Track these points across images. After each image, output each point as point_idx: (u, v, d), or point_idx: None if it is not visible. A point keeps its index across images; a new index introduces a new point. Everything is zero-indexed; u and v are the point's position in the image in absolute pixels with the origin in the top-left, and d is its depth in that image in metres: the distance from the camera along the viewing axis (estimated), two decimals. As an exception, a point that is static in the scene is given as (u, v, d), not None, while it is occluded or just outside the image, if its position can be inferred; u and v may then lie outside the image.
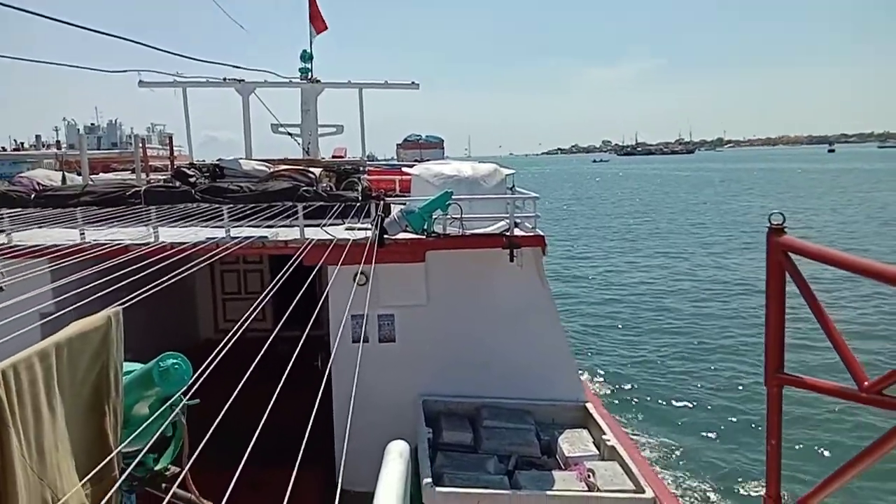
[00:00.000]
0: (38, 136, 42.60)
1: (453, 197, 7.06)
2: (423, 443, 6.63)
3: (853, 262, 2.45)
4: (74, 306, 3.85)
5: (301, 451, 2.51)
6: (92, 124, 59.42)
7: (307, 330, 3.88)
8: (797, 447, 10.11)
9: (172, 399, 2.83)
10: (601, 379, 13.87)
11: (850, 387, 2.49)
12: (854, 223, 37.83)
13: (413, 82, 13.99)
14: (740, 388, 12.92)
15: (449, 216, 7.14)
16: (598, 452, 6.69)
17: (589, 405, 7.51)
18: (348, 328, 7.24)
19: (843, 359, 2.49)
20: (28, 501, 2.10)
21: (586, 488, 6.01)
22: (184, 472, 2.84)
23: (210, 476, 2.45)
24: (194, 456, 2.51)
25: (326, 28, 14.14)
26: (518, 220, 7.63)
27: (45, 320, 3.55)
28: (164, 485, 3.07)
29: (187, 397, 2.90)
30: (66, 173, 10.31)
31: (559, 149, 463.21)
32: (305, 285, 5.21)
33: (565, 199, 67.84)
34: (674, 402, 12.66)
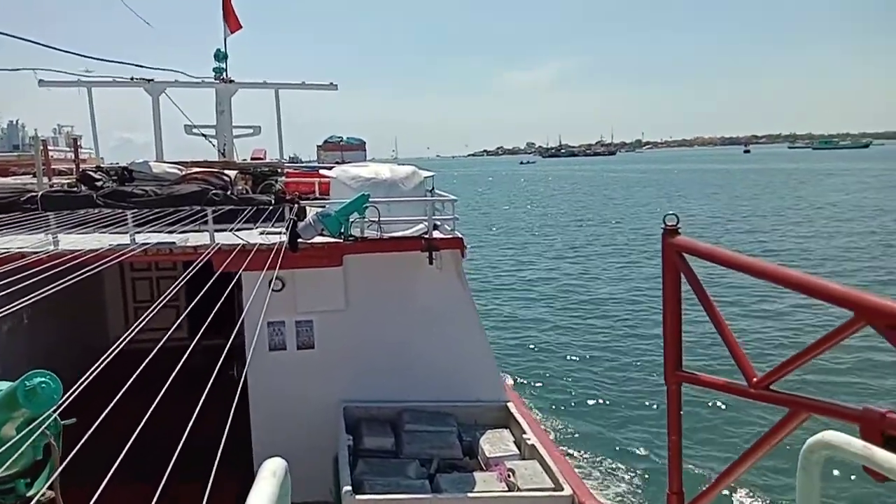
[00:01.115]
0: (-78, 139, 39.45)
1: (371, 199, 6.97)
2: (344, 450, 6.50)
3: (741, 262, 2.53)
4: None
5: (216, 464, 2.42)
6: (-11, 126, 55.46)
7: (218, 337, 3.76)
8: (704, 442, 10.50)
9: (40, 419, 2.63)
10: (522, 379, 14.05)
11: (741, 383, 2.56)
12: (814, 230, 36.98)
13: (332, 83, 13.79)
14: (653, 385, 13.32)
15: (367, 219, 7.04)
16: (518, 452, 6.73)
17: (510, 405, 7.57)
18: (265, 335, 7.04)
19: (734, 356, 2.56)
20: None
21: (506, 488, 6.03)
22: (40, 493, 2.67)
23: (117, 493, 2.32)
24: (57, 473, 2.37)
25: (241, 27, 13.76)
26: (437, 223, 7.61)
27: None
28: None
29: (57, 413, 2.72)
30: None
31: (485, 150, 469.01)
32: (214, 292, 5.02)
33: (499, 201, 67.77)
34: (591, 401, 13.02)
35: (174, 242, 6.76)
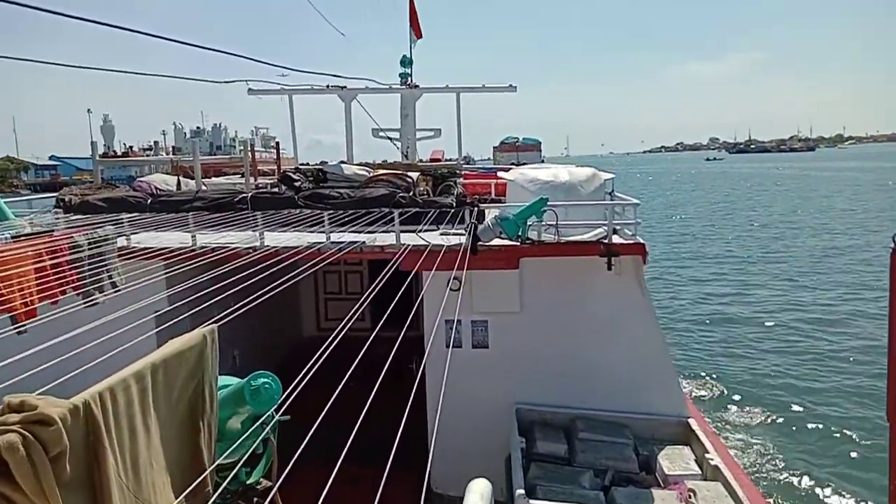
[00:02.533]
0: (155, 143, 45.82)
1: (549, 203, 6.93)
2: (517, 452, 6.55)
3: None
4: (190, 308, 4.08)
5: (394, 453, 2.54)
6: (198, 128, 62.88)
7: (403, 332, 3.95)
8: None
9: (264, 417, 2.91)
10: (707, 396, 13.15)
11: None
12: None
13: (511, 85, 13.90)
14: (865, 420, 11.74)
15: (544, 223, 7.01)
16: (700, 472, 6.35)
17: (692, 421, 7.16)
18: (442, 332, 7.27)
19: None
20: None
21: (686, 509, 5.73)
22: (274, 487, 2.95)
23: (308, 471, 2.53)
24: (285, 472, 2.60)
25: (422, 36, 14.33)
26: (617, 227, 7.39)
27: (161, 323, 3.78)
28: (255, 499, 3.19)
29: (280, 412, 3.00)
30: (180, 178, 10.96)
31: (663, 146, 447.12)
32: (402, 289, 5.31)
33: (689, 203, 60.29)
34: (791, 427, 11.77)
35: (364, 242, 7.21)
